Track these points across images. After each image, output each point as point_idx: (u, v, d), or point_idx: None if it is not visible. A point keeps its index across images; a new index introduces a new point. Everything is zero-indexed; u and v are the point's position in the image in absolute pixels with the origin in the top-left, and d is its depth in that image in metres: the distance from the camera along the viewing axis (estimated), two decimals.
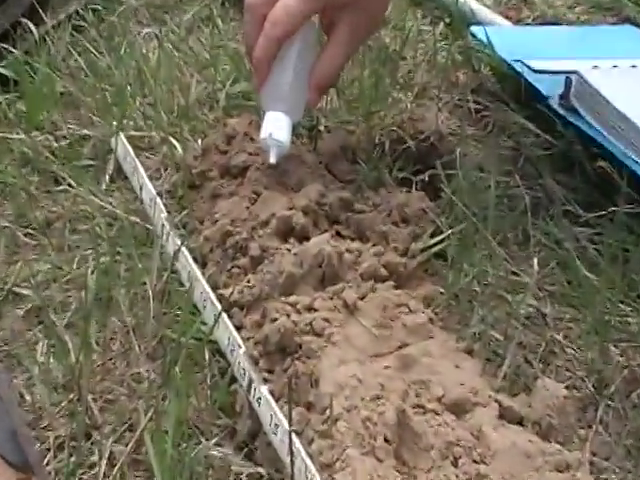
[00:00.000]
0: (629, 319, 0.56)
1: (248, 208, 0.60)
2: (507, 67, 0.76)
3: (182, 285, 0.58)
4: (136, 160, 0.68)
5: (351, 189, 0.63)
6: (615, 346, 0.54)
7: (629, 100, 0.63)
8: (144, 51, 0.84)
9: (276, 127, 0.61)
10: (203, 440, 0.48)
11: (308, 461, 0.43)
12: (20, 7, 0.84)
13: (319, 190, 0.60)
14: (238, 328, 0.53)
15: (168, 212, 0.63)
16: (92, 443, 0.48)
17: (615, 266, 0.56)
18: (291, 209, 0.58)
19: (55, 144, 0.72)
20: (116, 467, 0.46)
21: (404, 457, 0.43)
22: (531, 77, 0.71)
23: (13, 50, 0.80)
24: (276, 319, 0.51)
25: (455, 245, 0.59)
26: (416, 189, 0.65)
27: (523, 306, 0.56)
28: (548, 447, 0.44)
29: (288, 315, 0.51)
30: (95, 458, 0.47)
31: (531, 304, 0.56)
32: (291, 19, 0.59)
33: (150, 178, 0.66)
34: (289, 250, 0.55)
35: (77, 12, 0.90)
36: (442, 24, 0.89)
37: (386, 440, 0.43)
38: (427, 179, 0.66)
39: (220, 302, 0.54)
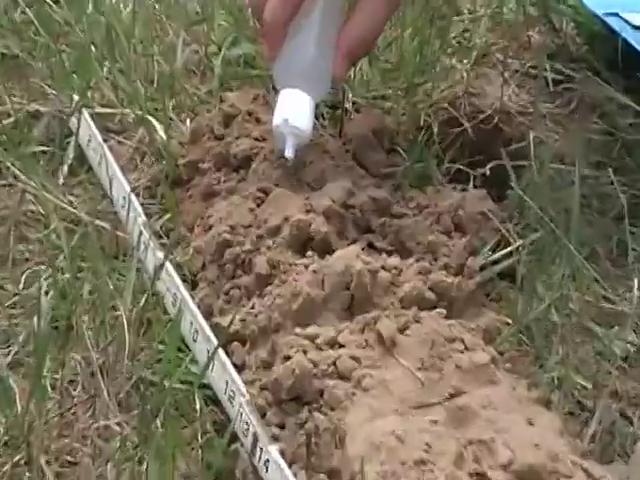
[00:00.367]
0: None
1: (252, 211, 0.61)
2: (599, 23, 0.76)
3: (166, 312, 0.59)
4: (104, 146, 0.69)
5: (387, 187, 0.64)
6: None
7: None
8: (114, 1, 0.85)
9: (294, 110, 0.61)
10: None
11: None
12: None
13: (345, 188, 0.61)
14: (239, 369, 0.53)
15: (147, 215, 0.64)
16: None
17: None
18: (309, 212, 0.59)
19: None
20: None
21: None
22: (631, 37, 0.71)
23: None
24: (289, 357, 0.51)
25: (527, 261, 0.60)
26: (474, 186, 0.66)
27: (618, 343, 0.56)
28: None
29: (305, 352, 0.51)
30: None
31: (630, 341, 0.57)
32: None
33: (123, 170, 0.67)
34: (306, 267, 0.56)
35: None
36: None
37: None
38: (489, 173, 0.67)
39: (215, 334, 0.54)
